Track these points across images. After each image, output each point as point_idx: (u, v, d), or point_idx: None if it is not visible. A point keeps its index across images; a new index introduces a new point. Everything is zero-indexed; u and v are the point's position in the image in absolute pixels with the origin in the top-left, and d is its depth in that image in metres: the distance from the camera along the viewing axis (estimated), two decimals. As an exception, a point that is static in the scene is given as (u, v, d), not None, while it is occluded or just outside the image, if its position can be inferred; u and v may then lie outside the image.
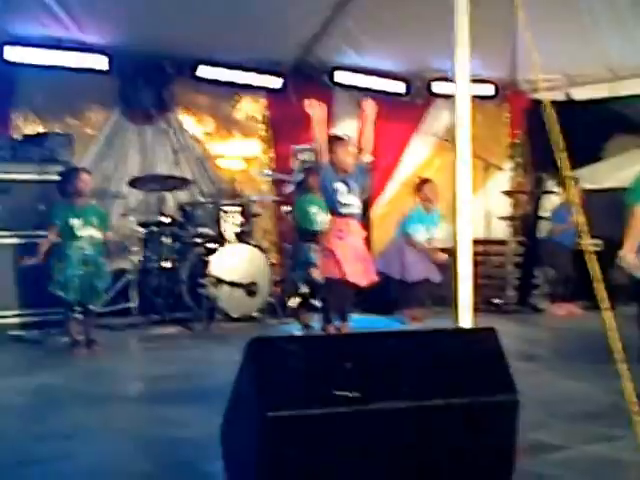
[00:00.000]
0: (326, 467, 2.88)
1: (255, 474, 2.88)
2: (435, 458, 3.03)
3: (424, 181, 9.92)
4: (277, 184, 10.63)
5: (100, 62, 9.44)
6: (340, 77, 11.12)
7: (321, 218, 8.04)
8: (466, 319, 3.82)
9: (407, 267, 9.39)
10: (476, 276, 10.30)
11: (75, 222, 7.46)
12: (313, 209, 8.48)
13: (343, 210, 6.83)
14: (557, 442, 4.23)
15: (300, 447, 2.83)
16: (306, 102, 6.89)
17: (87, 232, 7.49)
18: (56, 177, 7.95)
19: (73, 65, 9.35)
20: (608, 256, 8.81)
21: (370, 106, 6.97)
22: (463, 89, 4.17)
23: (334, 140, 7.11)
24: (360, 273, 6.81)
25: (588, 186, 10.46)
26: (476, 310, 9.18)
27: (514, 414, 3.11)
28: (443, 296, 7.98)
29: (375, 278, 6.99)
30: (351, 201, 6.89)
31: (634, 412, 3.15)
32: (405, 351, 3.14)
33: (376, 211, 11.42)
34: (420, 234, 9.56)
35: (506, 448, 3.12)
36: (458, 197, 3.96)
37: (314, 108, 6.79)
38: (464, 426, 3.06)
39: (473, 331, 3.74)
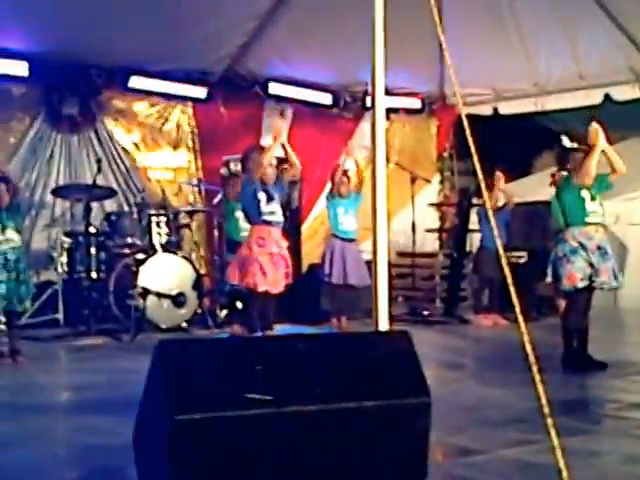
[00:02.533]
0: (237, 470, 2.87)
1: (166, 477, 2.86)
2: (348, 460, 3.04)
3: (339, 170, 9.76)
4: (206, 195, 10.62)
5: (20, 68, 9.34)
6: (272, 88, 11.15)
7: (245, 225, 8.05)
8: (383, 324, 3.85)
9: (330, 266, 9.15)
10: (401, 288, 10.42)
11: None
12: (236, 219, 8.51)
13: (265, 218, 6.87)
14: (476, 446, 4.29)
15: (210, 450, 2.81)
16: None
17: (5, 236, 7.34)
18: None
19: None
20: (533, 268, 8.99)
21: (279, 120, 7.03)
22: (379, 104, 4.21)
23: (255, 150, 7.16)
24: (279, 280, 6.87)
25: (516, 199, 10.62)
26: (403, 321, 9.30)
27: (427, 416, 3.14)
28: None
29: (289, 281, 7.04)
30: (273, 209, 6.93)
31: (547, 417, 3.21)
32: (318, 353, 3.15)
33: (307, 224, 11.46)
34: (344, 219, 9.26)
35: (419, 450, 3.15)
36: (376, 204, 4.01)
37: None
38: (377, 428, 3.08)
39: (387, 334, 3.76)
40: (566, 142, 6.72)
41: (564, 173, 6.74)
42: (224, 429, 2.84)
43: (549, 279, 6.79)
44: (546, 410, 3.18)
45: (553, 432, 3.13)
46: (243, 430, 2.87)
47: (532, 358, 3.29)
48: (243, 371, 2.95)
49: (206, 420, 2.80)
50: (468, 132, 3.64)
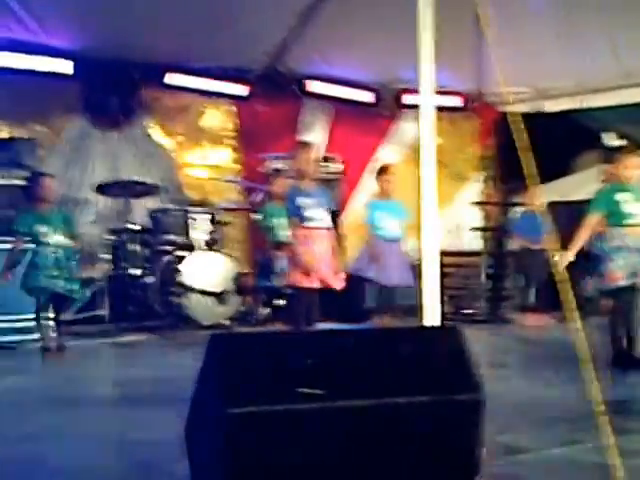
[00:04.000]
0: (289, 464, 2.86)
1: (219, 472, 2.86)
2: (399, 456, 3.02)
3: (383, 168, 9.70)
4: (247, 192, 10.63)
5: (65, 66, 9.43)
6: (310, 86, 11.15)
7: (286, 227, 8.03)
8: (434, 320, 3.84)
9: (380, 268, 9.12)
10: (446, 287, 10.37)
11: (41, 229, 7.41)
12: (279, 219, 8.48)
13: (308, 224, 6.84)
14: (525, 445, 4.25)
15: (263, 444, 2.81)
16: None
17: (55, 238, 7.44)
18: (21, 182, 7.89)
19: (38, 69, 9.34)
20: (578, 267, 8.92)
21: None
22: (428, 105, 4.19)
23: (297, 145, 7.14)
24: (331, 276, 6.84)
25: (556, 198, 10.54)
26: (447, 320, 9.22)
27: (479, 413, 3.10)
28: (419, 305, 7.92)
29: (343, 284, 7.01)
30: (317, 215, 6.88)
31: (599, 415, 3.18)
32: (369, 348, 3.12)
33: (345, 221, 11.44)
34: (385, 223, 9.00)
35: (472, 447, 3.12)
36: (423, 199, 3.99)
37: None
38: (429, 424, 3.05)
39: (438, 329, 3.74)
40: (609, 140, 6.66)
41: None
42: (277, 423, 2.83)
43: (592, 279, 6.74)
44: (600, 408, 3.15)
45: (608, 431, 3.10)
46: (295, 424, 2.86)
47: (584, 356, 3.27)
48: (295, 365, 2.93)
49: (259, 414, 2.79)
50: (518, 131, 3.61)
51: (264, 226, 9.18)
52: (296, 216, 6.87)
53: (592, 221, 6.59)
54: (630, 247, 6.40)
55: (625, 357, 6.51)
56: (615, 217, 6.48)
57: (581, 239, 6.60)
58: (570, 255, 6.39)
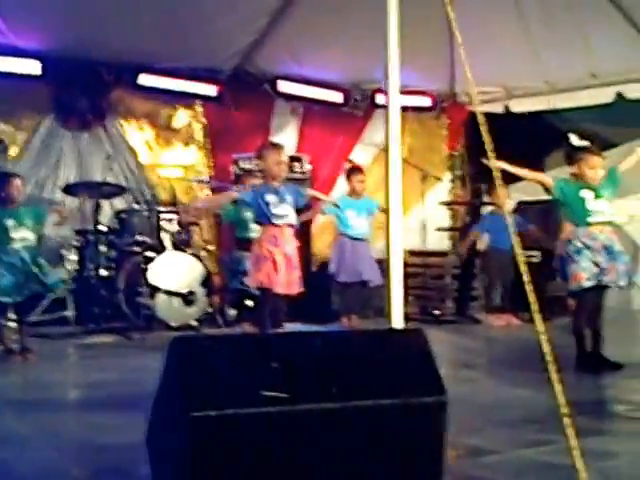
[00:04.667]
0: (253, 468, 2.85)
1: (180, 476, 2.84)
2: (364, 459, 3.01)
3: (353, 169, 9.76)
4: (216, 192, 10.59)
5: (33, 67, 9.35)
6: (281, 87, 11.13)
7: (254, 225, 8.04)
8: (398, 322, 3.82)
9: (340, 265, 9.11)
10: (412, 287, 10.37)
11: (9, 222, 7.32)
12: (247, 215, 8.49)
13: (275, 221, 6.86)
14: (490, 446, 4.25)
15: (226, 447, 2.79)
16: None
17: (21, 234, 7.35)
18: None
19: (5, 70, 9.27)
20: (547, 268, 8.95)
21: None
22: (394, 103, 4.18)
23: (266, 147, 7.16)
24: (293, 282, 6.86)
25: (524, 198, 10.57)
26: (413, 320, 9.26)
27: (443, 415, 3.11)
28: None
29: (302, 289, 7.05)
30: (284, 212, 6.91)
31: (564, 417, 3.17)
32: (334, 351, 3.12)
33: (316, 222, 11.42)
34: (354, 221, 9.22)
35: (436, 450, 3.11)
36: (390, 198, 3.98)
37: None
38: (393, 427, 3.04)
39: (402, 332, 3.73)
40: (574, 140, 6.67)
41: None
42: (240, 426, 2.82)
43: (558, 279, 6.76)
44: (565, 410, 3.15)
45: (572, 433, 3.09)
46: (259, 427, 2.84)
47: (549, 357, 3.26)
48: (259, 368, 2.92)
49: (223, 417, 2.77)
50: (487, 131, 3.60)
51: (231, 221, 9.18)
52: (264, 213, 6.89)
53: (546, 177, 6.76)
54: (594, 247, 6.42)
55: (590, 358, 6.53)
56: (580, 215, 6.50)
57: (524, 173, 6.88)
58: (500, 163, 6.36)
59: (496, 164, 6.48)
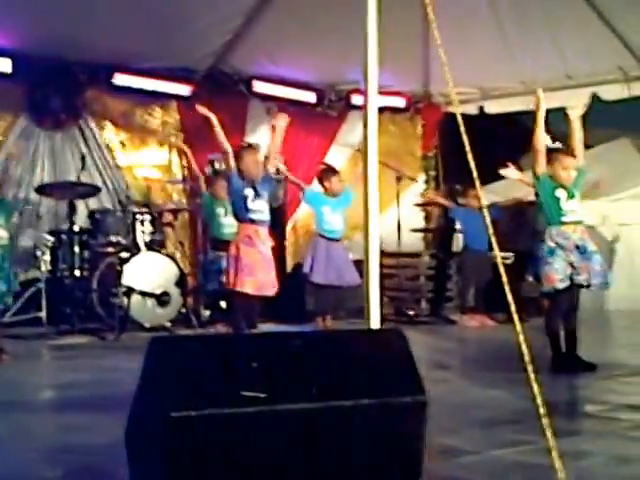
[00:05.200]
0: (232, 468, 2.84)
1: (159, 476, 2.83)
2: (343, 459, 3.01)
3: (327, 169, 9.74)
4: (190, 193, 10.56)
5: (3, 65, 9.31)
6: (256, 87, 11.11)
7: (229, 222, 8.04)
8: (375, 322, 3.82)
9: (315, 265, 9.00)
10: (387, 288, 10.37)
11: None
12: (221, 214, 8.50)
13: (251, 216, 6.88)
14: (467, 447, 4.25)
15: (205, 447, 2.78)
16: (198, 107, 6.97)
17: None
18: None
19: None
20: (520, 269, 8.99)
21: (282, 118, 7.03)
22: (372, 105, 4.18)
23: (243, 148, 7.17)
24: (268, 283, 6.86)
25: (499, 199, 10.60)
26: (388, 321, 9.25)
27: (422, 415, 3.11)
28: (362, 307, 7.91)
29: (276, 289, 7.05)
30: (260, 207, 6.94)
31: (541, 417, 3.18)
32: (312, 351, 3.11)
33: (292, 222, 11.42)
34: (330, 218, 9.15)
35: (415, 450, 3.11)
36: (368, 202, 3.99)
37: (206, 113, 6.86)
38: (373, 427, 3.04)
39: (380, 332, 3.73)
40: (548, 142, 6.70)
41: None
42: (219, 426, 2.81)
43: (531, 280, 6.78)
44: (542, 410, 3.15)
45: (549, 433, 3.10)
46: (238, 428, 2.83)
47: (527, 358, 3.27)
48: (238, 368, 2.91)
49: (201, 417, 2.76)
50: (462, 130, 3.61)
51: (206, 217, 9.18)
52: (241, 207, 6.90)
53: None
54: (567, 246, 6.44)
55: (565, 359, 6.56)
56: (554, 214, 6.52)
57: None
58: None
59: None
